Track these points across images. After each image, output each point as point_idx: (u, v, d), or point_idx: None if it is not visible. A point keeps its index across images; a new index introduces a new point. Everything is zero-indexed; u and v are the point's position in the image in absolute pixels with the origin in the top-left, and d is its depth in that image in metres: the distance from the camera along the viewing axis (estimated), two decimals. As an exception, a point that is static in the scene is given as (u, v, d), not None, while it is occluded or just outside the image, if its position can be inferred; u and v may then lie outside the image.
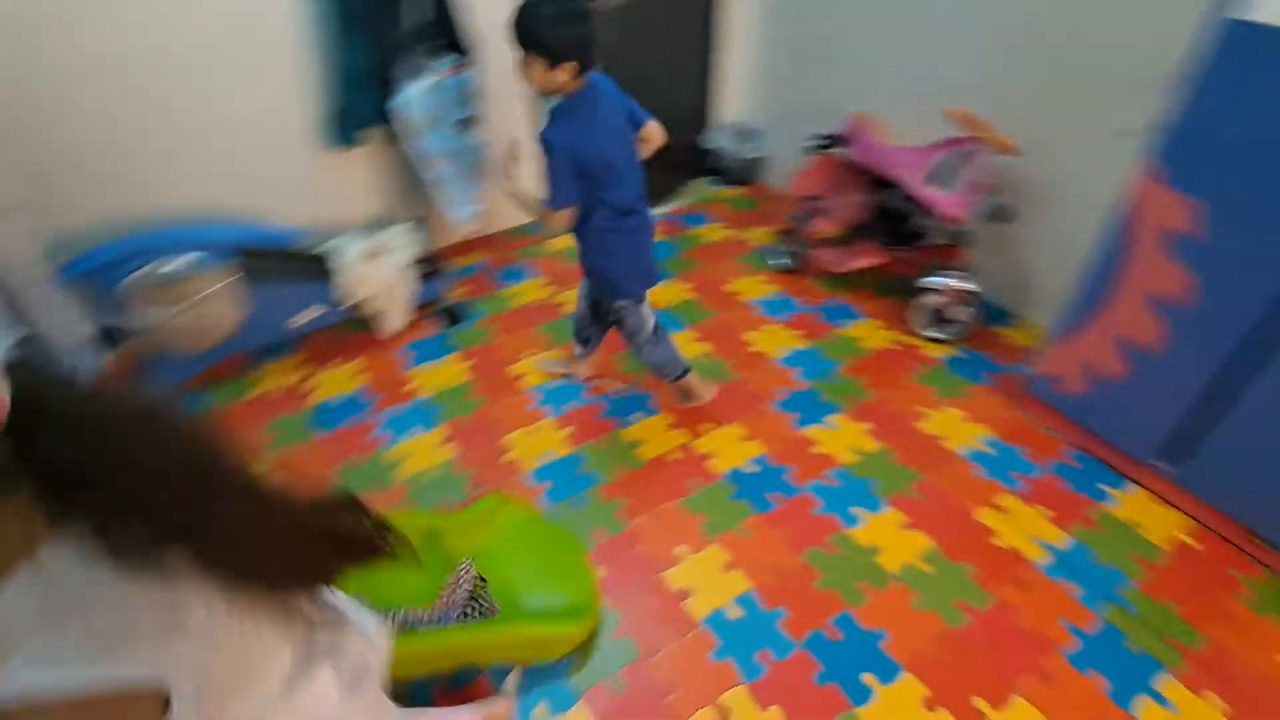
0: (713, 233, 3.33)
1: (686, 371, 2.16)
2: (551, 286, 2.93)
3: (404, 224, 2.63)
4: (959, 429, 2.20)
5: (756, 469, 2.07)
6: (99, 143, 2.13)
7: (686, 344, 2.58)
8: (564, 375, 2.42)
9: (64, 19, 1.94)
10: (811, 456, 2.11)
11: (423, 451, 2.15)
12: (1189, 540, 1.84)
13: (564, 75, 1.59)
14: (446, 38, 2.35)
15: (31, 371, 0.50)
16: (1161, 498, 1.95)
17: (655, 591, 1.74)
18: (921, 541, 1.85)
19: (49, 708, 0.48)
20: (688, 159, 3.64)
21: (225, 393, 2.38)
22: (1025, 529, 1.89)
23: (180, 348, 2.25)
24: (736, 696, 1.51)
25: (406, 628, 1.41)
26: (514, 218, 3.29)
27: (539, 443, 2.17)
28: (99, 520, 0.50)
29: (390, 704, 0.95)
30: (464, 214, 2.62)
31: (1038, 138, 2.31)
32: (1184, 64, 1.57)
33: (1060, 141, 2.31)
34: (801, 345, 2.57)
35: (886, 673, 1.55)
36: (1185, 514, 1.90)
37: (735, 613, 1.68)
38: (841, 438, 2.17)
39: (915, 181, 2.35)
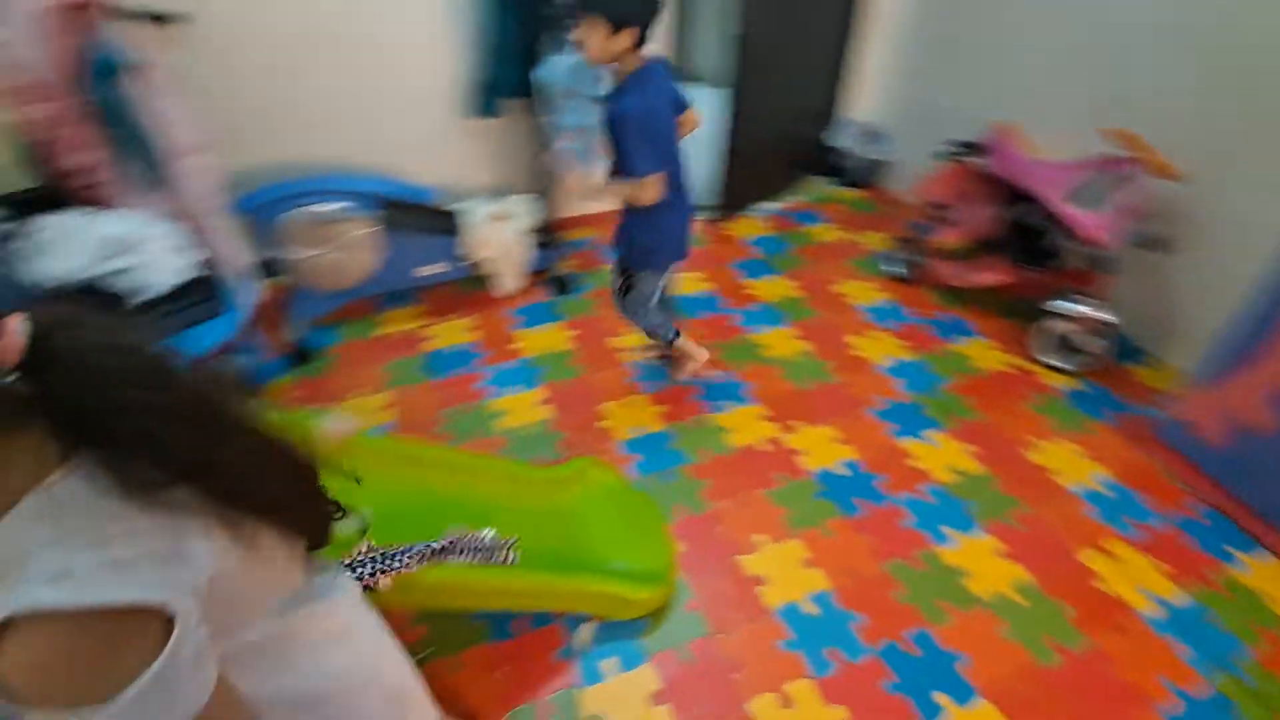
0: (826, 233, 3.27)
1: (678, 335, 2.21)
2: (658, 269, 2.98)
3: (526, 194, 2.76)
4: (1073, 464, 2.07)
5: (847, 472, 2.04)
6: (273, 99, 2.40)
7: (786, 341, 2.56)
8: (689, 373, 2.34)
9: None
10: (906, 469, 2.05)
11: (522, 408, 2.26)
12: (1330, 622, 1.66)
13: (623, 43, 1.61)
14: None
15: (53, 316, 0.53)
16: (1302, 571, 1.77)
17: (731, 574, 1.76)
18: (1016, 572, 1.77)
19: (57, 621, 0.49)
20: (808, 155, 3.58)
21: (353, 330, 2.60)
22: (1135, 578, 1.76)
23: (322, 284, 2.47)
24: (802, 688, 1.51)
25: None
26: (629, 198, 3.37)
27: (632, 415, 2.23)
28: (108, 457, 0.53)
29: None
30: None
31: (1205, 165, 2.12)
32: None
33: (1231, 172, 2.10)
34: (907, 356, 2.49)
35: (961, 695, 1.51)
36: (1329, 593, 1.71)
37: (809, 608, 1.68)
38: (941, 455, 2.09)
39: (1057, 198, 2.21)
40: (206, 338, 1.71)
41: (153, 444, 0.54)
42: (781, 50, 2.97)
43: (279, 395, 2.26)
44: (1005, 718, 1.47)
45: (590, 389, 2.34)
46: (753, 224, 3.33)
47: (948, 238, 2.65)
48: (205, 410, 0.60)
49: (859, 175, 3.55)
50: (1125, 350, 2.47)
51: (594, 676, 1.54)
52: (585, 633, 1.61)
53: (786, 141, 3.41)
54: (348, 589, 0.86)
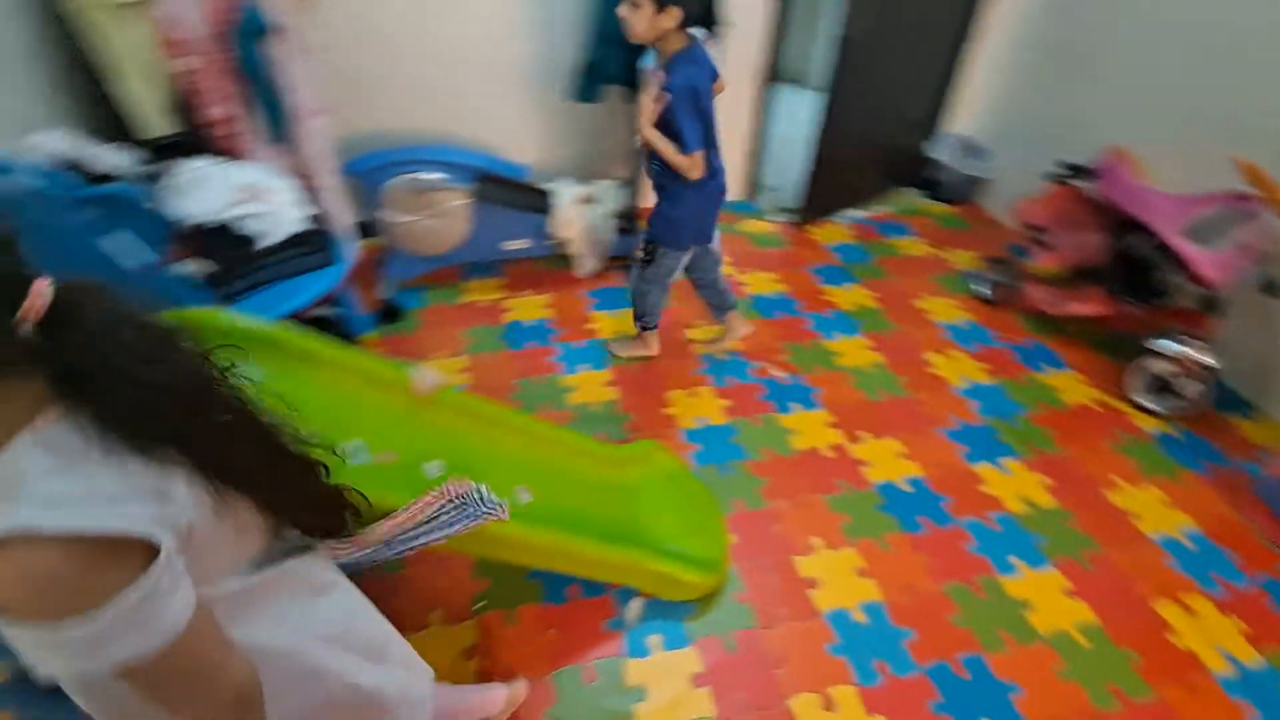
0: (912, 246, 3.19)
1: (654, 326, 2.34)
2: (733, 267, 2.98)
3: (612, 179, 2.81)
4: (1157, 512, 1.97)
5: (910, 489, 2.00)
6: (383, 70, 2.55)
7: (859, 350, 2.52)
8: (730, 349, 2.47)
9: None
10: (975, 493, 1.99)
11: (591, 386, 2.32)
12: None
13: (670, 21, 1.66)
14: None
15: (78, 285, 0.57)
16: None
17: (782, 572, 1.76)
18: (1083, 612, 1.70)
19: (47, 544, 0.52)
20: (902, 165, 3.49)
21: (438, 295, 2.72)
22: (1212, 636, 1.66)
23: (415, 248, 2.59)
24: (845, 694, 1.51)
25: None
26: (714, 193, 3.39)
27: (697, 406, 2.26)
28: (101, 414, 0.57)
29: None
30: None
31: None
32: None
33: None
34: (986, 380, 2.42)
35: (1011, 727, 1.47)
36: None
37: (860, 617, 1.66)
38: (1013, 483, 2.03)
39: (1172, 231, 2.10)
40: (315, 286, 1.84)
41: (143, 411, 0.58)
42: (886, 55, 2.90)
43: (367, 348, 2.40)
44: (1056, 757, 1.42)
45: (658, 375, 2.38)
46: (836, 230, 3.28)
47: (1045, 262, 2.54)
48: (197, 388, 0.64)
49: (953, 190, 3.44)
50: (1226, 399, 2.32)
51: (639, 650, 1.58)
52: (634, 608, 1.65)
53: (880, 150, 3.34)
54: (319, 551, 0.90)
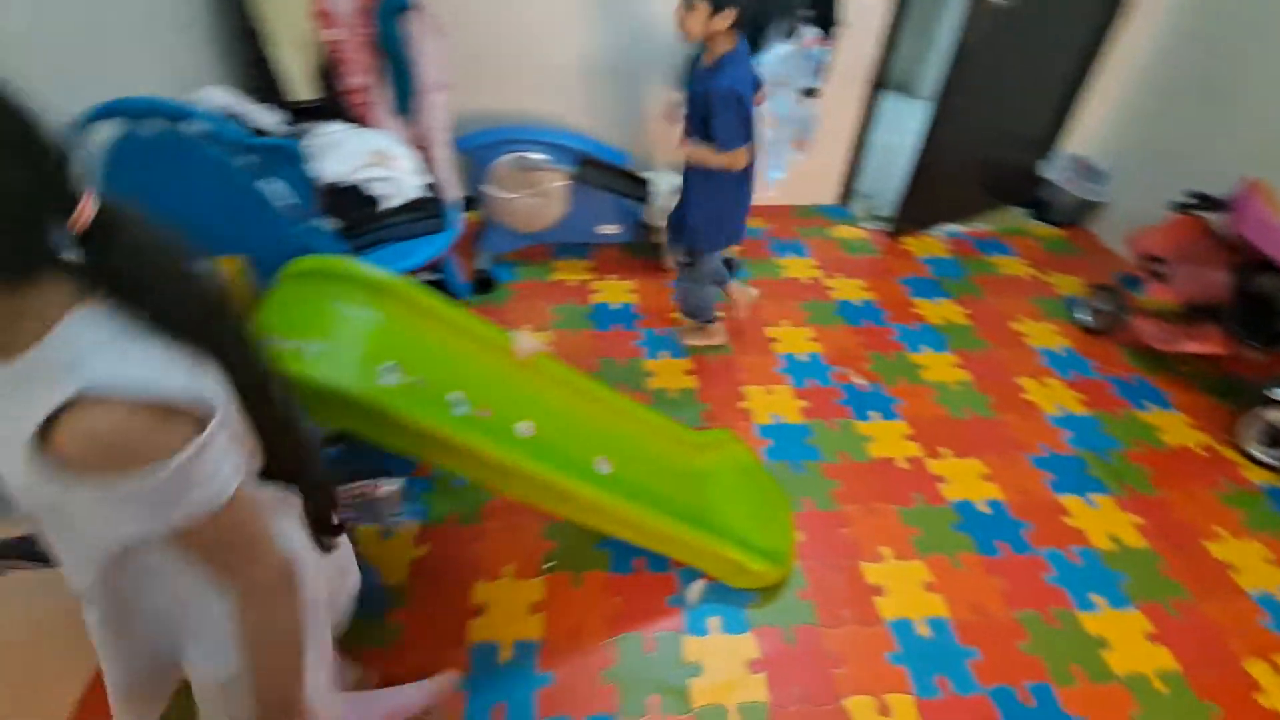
0: (1012, 266, 3.07)
1: (713, 320, 2.41)
2: (820, 270, 2.96)
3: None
4: (1259, 569, 1.84)
5: (989, 511, 1.95)
6: (501, 55, 2.70)
7: (945, 366, 2.46)
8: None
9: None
10: (1059, 524, 1.92)
11: (670, 373, 2.37)
12: None
13: (723, 23, 1.70)
14: (820, 10, 2.44)
15: (120, 203, 0.61)
16: None
17: (848, 575, 1.76)
18: (1164, 659, 1.62)
19: (114, 403, 0.57)
20: (1010, 183, 3.36)
21: (530, 271, 2.82)
22: (1311, 706, 1.55)
23: (514, 224, 2.71)
24: (903, 703, 1.50)
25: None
26: (805, 196, 3.36)
27: (774, 403, 2.27)
28: (138, 303, 0.61)
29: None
30: (772, 177, 2.74)
31: None
32: None
33: None
34: (1081, 411, 2.31)
35: (1076, 763, 1.42)
36: None
37: (924, 630, 1.64)
38: (1101, 519, 1.94)
39: (1311, 272, 1.95)
40: (426, 249, 1.95)
41: (173, 304, 0.63)
42: (1003, 67, 2.80)
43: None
44: (1123, 800, 1.37)
45: (737, 369, 2.40)
46: (932, 243, 3.20)
47: (1158, 295, 2.40)
48: (209, 299, 0.69)
49: (1063, 213, 3.29)
50: (1355, 461, 2.13)
51: (699, 629, 1.62)
52: (697, 589, 1.69)
53: (987, 165, 3.23)
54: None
